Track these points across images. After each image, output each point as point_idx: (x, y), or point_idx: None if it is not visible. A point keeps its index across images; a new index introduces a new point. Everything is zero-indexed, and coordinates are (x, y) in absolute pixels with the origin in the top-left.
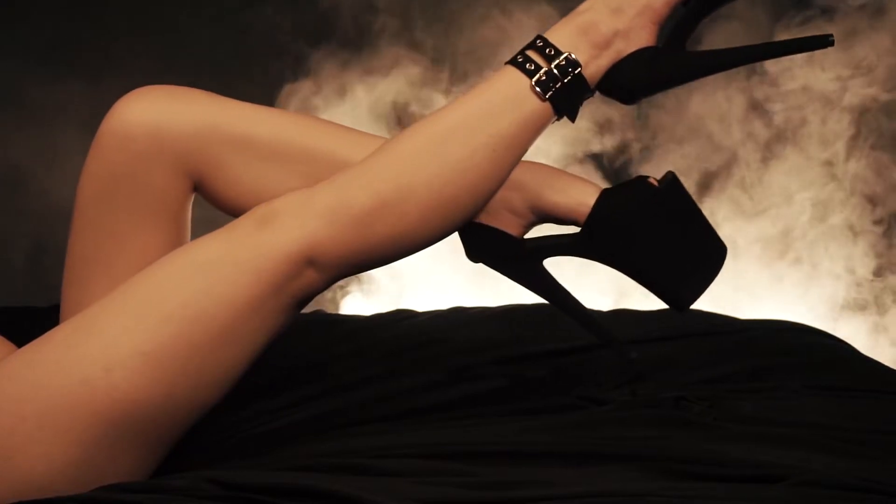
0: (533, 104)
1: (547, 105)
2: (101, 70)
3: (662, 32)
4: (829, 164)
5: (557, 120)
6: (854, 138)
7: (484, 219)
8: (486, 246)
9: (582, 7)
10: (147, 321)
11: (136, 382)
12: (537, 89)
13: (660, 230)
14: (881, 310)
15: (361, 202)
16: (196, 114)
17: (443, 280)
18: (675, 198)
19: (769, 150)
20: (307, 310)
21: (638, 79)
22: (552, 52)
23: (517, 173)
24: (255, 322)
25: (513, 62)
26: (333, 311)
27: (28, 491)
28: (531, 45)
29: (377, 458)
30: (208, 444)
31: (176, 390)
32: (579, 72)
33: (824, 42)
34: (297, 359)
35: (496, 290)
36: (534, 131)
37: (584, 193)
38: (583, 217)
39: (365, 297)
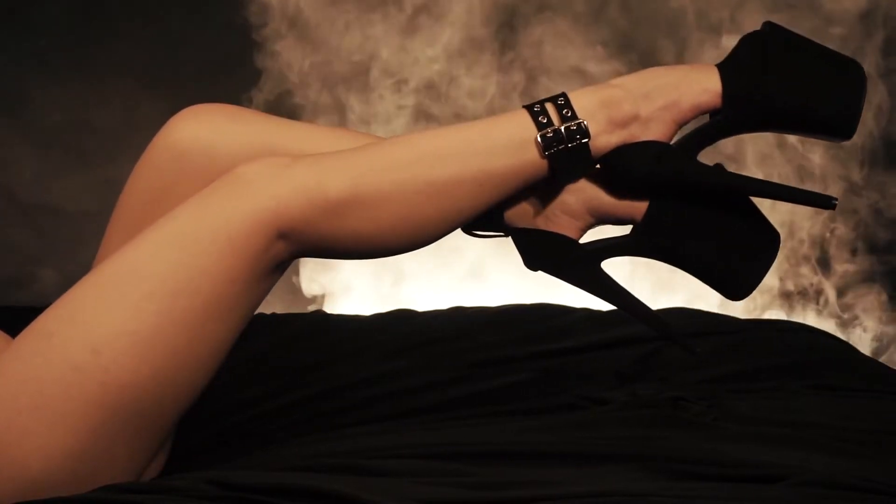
0: (531, 156)
1: (545, 162)
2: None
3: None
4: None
5: (550, 179)
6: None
7: (542, 224)
8: (544, 252)
9: (615, 80)
10: (129, 299)
11: (125, 364)
12: (541, 144)
13: (714, 222)
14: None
15: (338, 191)
16: (250, 134)
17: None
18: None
19: None
20: (307, 310)
21: (638, 169)
22: (568, 114)
23: None
24: (234, 294)
25: (529, 108)
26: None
27: (27, 486)
28: (552, 99)
29: (377, 458)
30: (208, 444)
31: (165, 370)
32: (586, 142)
33: (827, 203)
34: (298, 359)
35: (496, 290)
36: (523, 181)
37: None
38: (640, 214)
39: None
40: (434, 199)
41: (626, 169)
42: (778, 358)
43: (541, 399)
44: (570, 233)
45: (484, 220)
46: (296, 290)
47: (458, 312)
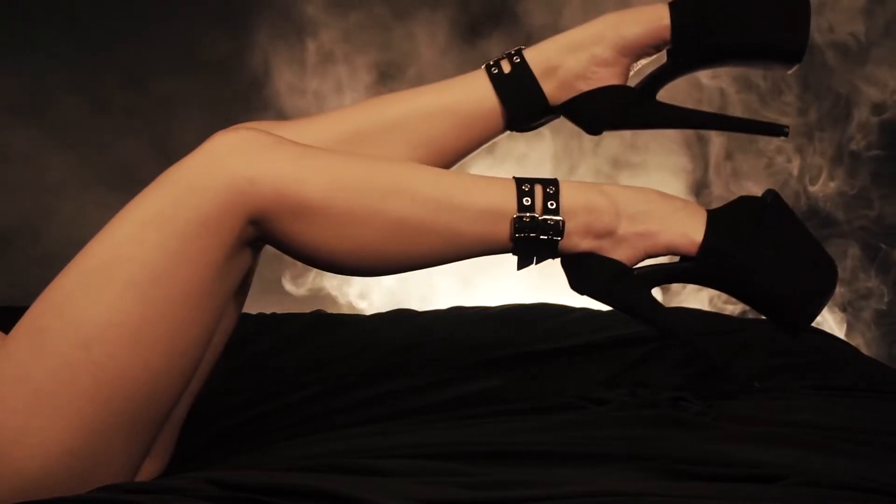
0: (501, 230)
1: (510, 242)
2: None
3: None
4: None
5: (511, 254)
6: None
7: (584, 86)
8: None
9: (609, 188)
10: (112, 288)
11: (115, 356)
12: (515, 224)
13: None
14: None
15: (312, 195)
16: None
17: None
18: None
19: None
20: (307, 309)
21: (592, 281)
22: (552, 206)
23: (590, 28)
24: (210, 278)
25: (518, 182)
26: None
27: (26, 485)
28: (545, 182)
29: (377, 458)
30: (209, 445)
31: (153, 360)
32: (557, 240)
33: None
34: (298, 359)
35: (495, 291)
36: (483, 250)
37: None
38: (667, 33)
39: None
40: (399, 238)
41: (581, 277)
42: (779, 358)
43: (541, 399)
44: (615, 80)
45: (530, 110)
46: None
47: (458, 312)
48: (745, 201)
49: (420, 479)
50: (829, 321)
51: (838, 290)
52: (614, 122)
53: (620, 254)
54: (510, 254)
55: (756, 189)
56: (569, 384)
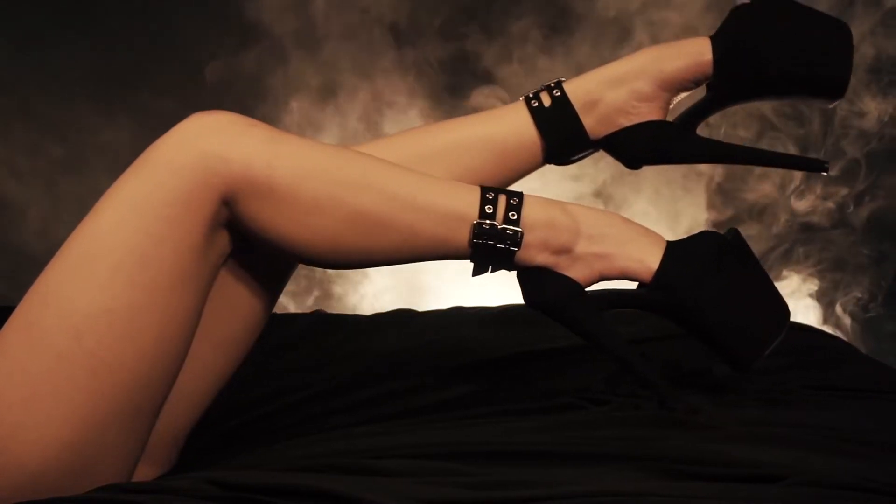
0: (460, 235)
1: (468, 247)
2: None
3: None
4: None
5: (469, 261)
6: None
7: (626, 121)
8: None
9: (572, 208)
10: (99, 276)
11: (108, 345)
12: (474, 230)
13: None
14: None
15: (280, 180)
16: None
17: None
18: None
19: None
20: (307, 309)
21: (542, 295)
22: (514, 217)
23: (631, 62)
24: (193, 259)
25: (483, 190)
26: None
27: (25, 481)
28: (510, 194)
29: (377, 458)
30: (210, 445)
31: (146, 347)
32: (514, 251)
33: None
34: (298, 359)
35: (494, 291)
36: (442, 253)
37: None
38: (708, 68)
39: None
40: (358, 231)
41: (535, 291)
42: (778, 358)
43: (540, 399)
44: (655, 115)
45: (570, 144)
46: None
47: (458, 312)
48: (706, 236)
49: (420, 479)
50: (824, 319)
51: (837, 289)
52: (654, 157)
53: (575, 272)
54: (471, 262)
55: (745, 193)
56: (568, 384)
